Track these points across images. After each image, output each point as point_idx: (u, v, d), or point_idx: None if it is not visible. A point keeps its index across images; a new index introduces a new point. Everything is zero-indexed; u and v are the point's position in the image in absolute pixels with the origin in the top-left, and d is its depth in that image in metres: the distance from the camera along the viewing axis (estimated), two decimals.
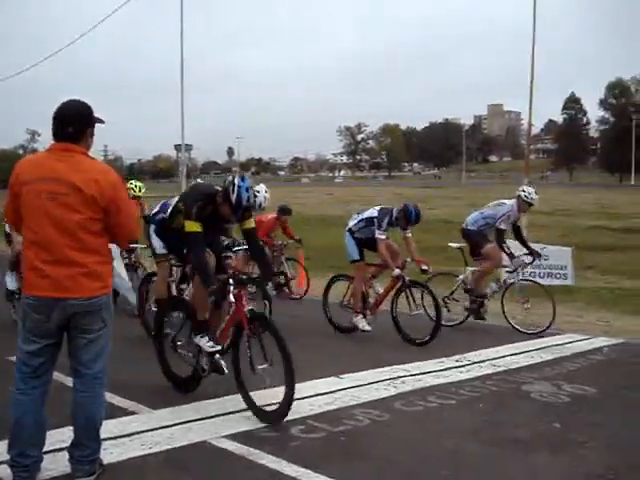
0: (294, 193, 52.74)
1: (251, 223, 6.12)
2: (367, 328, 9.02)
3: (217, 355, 5.97)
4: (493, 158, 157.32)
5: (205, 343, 5.99)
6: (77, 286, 4.00)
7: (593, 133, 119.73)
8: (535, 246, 11.50)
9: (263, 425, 5.34)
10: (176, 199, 7.36)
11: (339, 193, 62.02)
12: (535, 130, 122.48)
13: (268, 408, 5.45)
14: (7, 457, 4.14)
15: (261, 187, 10.04)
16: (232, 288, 5.74)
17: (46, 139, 69.53)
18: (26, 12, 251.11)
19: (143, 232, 8.35)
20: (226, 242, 7.23)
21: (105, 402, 4.35)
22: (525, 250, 9.85)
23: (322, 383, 6.55)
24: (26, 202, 4.03)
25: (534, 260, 9.99)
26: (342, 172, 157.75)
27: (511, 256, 9.64)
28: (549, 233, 19.60)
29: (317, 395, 6.14)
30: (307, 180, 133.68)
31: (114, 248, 4.90)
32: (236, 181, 5.81)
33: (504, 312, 9.68)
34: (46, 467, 4.28)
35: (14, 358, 4.26)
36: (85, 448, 4.18)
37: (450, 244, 10.34)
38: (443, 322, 8.94)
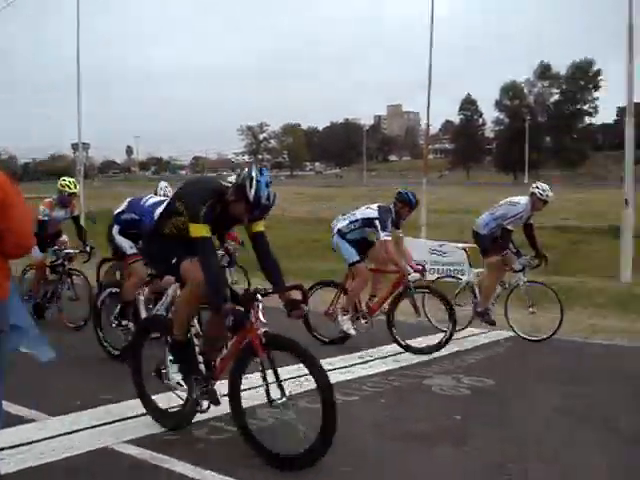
0: None
1: (262, 225, 5.18)
2: (352, 332, 8.43)
3: (212, 381, 5.14)
4: (393, 157, 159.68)
5: (173, 373, 5.27)
6: None
7: (489, 133, 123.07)
8: (433, 243, 11.65)
9: (165, 429, 5.24)
10: (156, 198, 6.78)
11: None
12: (433, 130, 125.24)
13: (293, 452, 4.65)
14: None
15: (162, 184, 9.84)
16: (260, 305, 4.79)
17: None
18: None
19: (107, 235, 7.92)
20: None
21: (2, 411, 4.17)
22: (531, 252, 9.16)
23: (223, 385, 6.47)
24: None
25: (541, 263, 9.10)
26: None
27: (518, 254, 9.03)
28: (446, 231, 20.01)
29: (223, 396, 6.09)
30: None
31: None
32: (254, 174, 4.82)
33: (507, 316, 9.05)
34: None
35: None
36: None
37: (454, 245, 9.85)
38: (439, 327, 8.66)
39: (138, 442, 4.96)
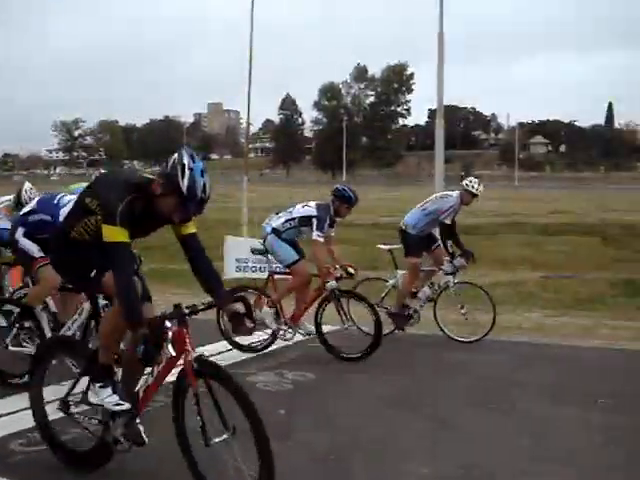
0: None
1: (193, 227, 4.25)
2: (274, 326, 8.03)
3: (136, 418, 4.25)
4: (214, 156, 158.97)
5: (107, 397, 4.30)
6: None
7: (308, 133, 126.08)
8: (253, 242, 11.37)
9: None
10: (72, 197, 5.65)
11: None
12: (253, 129, 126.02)
13: None
14: None
15: (26, 185, 8.94)
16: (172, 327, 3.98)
17: None
18: None
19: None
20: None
21: None
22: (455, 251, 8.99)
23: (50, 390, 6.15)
24: None
25: (469, 261, 8.93)
26: (58, 169, 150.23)
27: (452, 256, 8.89)
28: None
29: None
30: (20, 178, 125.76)
31: None
32: (186, 161, 3.92)
33: (436, 319, 8.89)
34: None
35: None
36: None
37: (379, 246, 9.41)
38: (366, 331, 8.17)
39: None
